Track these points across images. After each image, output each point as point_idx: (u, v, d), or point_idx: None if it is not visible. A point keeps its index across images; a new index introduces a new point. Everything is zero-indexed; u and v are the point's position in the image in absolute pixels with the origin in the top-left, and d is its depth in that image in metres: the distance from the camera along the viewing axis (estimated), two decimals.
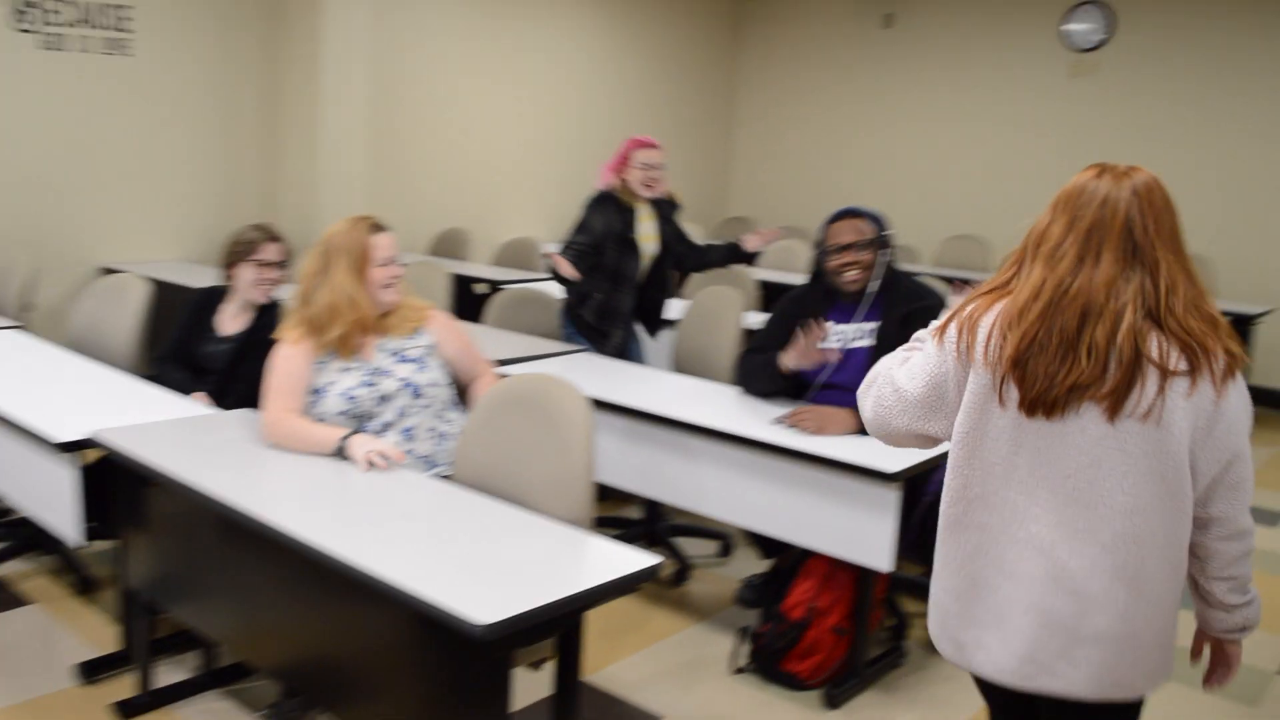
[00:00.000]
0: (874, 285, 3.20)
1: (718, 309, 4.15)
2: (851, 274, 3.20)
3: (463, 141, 7.29)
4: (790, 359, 3.20)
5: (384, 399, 2.79)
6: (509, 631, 1.82)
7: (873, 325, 3.23)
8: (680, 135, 8.90)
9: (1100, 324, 1.67)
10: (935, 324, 1.85)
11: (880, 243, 3.20)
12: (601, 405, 3.35)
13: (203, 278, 5.00)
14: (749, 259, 4.29)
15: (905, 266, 3.36)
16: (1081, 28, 7.70)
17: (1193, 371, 1.66)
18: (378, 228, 2.85)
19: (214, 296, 3.59)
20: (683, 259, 4.34)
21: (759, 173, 9.44)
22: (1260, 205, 7.20)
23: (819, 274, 3.33)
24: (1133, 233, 1.70)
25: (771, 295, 5.51)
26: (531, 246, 6.52)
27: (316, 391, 2.80)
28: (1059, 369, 1.68)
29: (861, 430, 3.00)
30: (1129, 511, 1.69)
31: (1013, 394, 1.72)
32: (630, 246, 4.10)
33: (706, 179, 9.32)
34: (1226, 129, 7.26)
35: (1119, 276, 1.69)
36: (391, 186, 6.89)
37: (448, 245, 6.83)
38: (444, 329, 2.99)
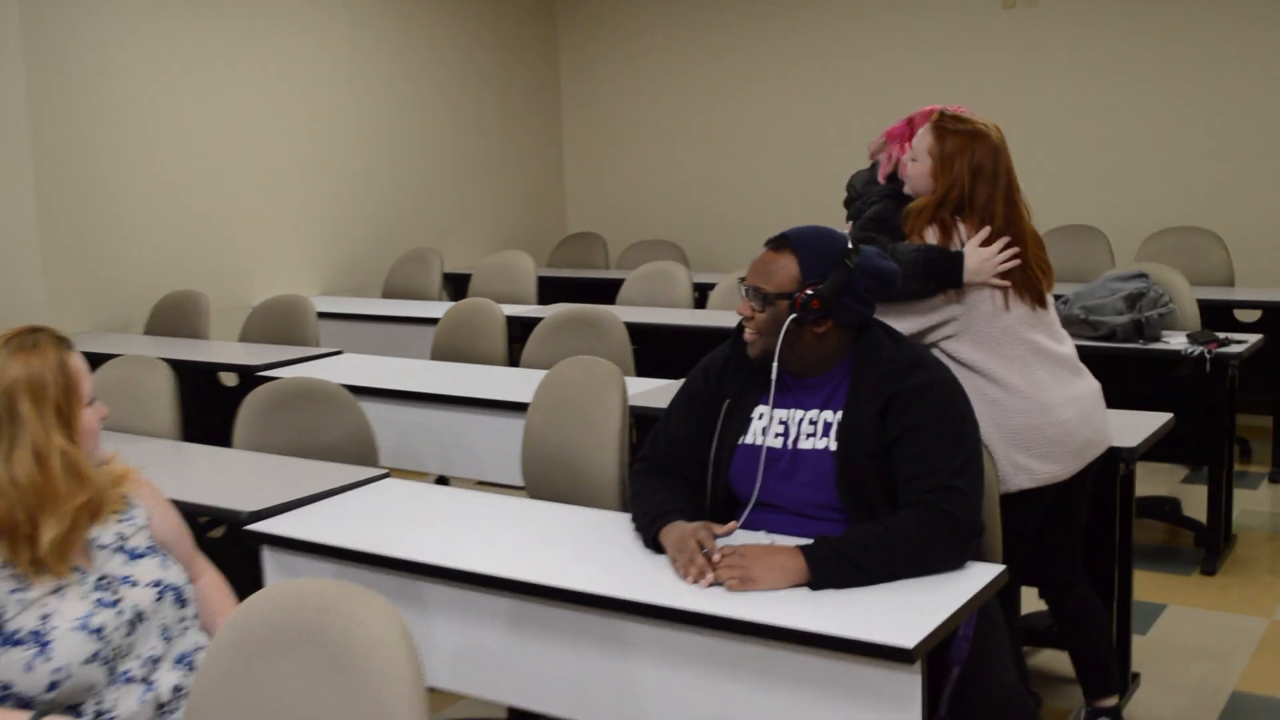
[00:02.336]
0: (779, 359, 2.81)
1: (587, 382, 3.61)
2: (747, 334, 2.86)
3: (185, 174, 6.66)
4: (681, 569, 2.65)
5: (138, 620, 2.24)
6: None
7: (833, 415, 2.80)
8: (495, 146, 8.84)
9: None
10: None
11: (798, 294, 2.76)
12: (408, 567, 2.81)
13: None
14: None
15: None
16: None
17: None
18: (65, 343, 2.28)
19: None
20: None
21: (597, 179, 9.29)
22: (1262, 163, 7.07)
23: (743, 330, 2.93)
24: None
25: (645, 343, 5.16)
26: (300, 310, 5.87)
27: (18, 644, 2.13)
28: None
29: (811, 582, 2.52)
30: None
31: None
32: None
33: (536, 194, 9.25)
34: (1198, 67, 7.18)
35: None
36: (78, 244, 6.14)
37: (171, 319, 6.14)
38: (153, 497, 2.48)
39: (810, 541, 2.58)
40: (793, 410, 2.84)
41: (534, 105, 9.14)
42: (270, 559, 3.06)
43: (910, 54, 7.98)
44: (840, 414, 2.78)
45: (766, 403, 2.85)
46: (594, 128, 9.24)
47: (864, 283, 2.77)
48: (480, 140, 8.64)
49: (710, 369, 2.96)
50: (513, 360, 5.29)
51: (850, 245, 2.81)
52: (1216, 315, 5.54)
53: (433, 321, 5.88)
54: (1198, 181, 7.21)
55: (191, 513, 2.84)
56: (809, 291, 2.74)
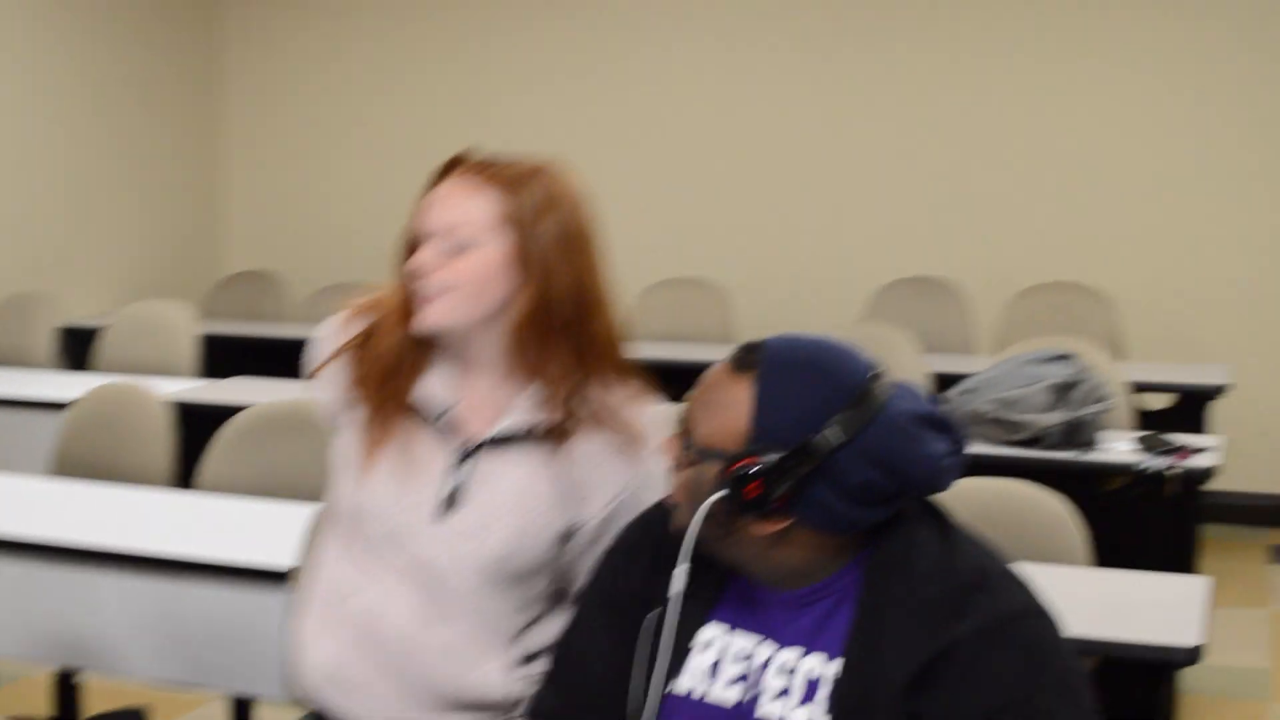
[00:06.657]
0: (692, 539, 2.02)
1: None
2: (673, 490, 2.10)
3: None
4: None
5: None
6: None
7: (823, 664, 2.00)
8: (129, 153, 8.66)
9: None
10: None
11: (732, 463, 1.95)
12: None
13: None
14: None
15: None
16: None
17: None
18: None
19: None
20: None
21: (271, 200, 9.25)
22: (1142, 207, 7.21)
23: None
24: None
25: None
26: None
27: None
28: None
29: None
30: None
31: None
32: None
33: (188, 218, 9.16)
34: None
35: None
36: None
37: None
38: None
39: None
40: (759, 640, 2.04)
41: (186, 106, 9.02)
42: None
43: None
44: (837, 665, 1.98)
45: (722, 616, 2.07)
46: (267, 134, 9.15)
47: (861, 473, 1.88)
48: (108, 146, 8.37)
49: (637, 548, 2.18)
50: (181, 478, 4.57)
51: (866, 389, 1.92)
52: None
53: (52, 406, 5.23)
54: (1070, 229, 7.31)
55: None
56: (741, 465, 1.93)
